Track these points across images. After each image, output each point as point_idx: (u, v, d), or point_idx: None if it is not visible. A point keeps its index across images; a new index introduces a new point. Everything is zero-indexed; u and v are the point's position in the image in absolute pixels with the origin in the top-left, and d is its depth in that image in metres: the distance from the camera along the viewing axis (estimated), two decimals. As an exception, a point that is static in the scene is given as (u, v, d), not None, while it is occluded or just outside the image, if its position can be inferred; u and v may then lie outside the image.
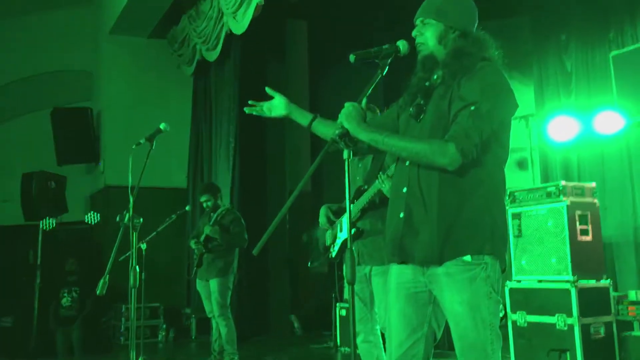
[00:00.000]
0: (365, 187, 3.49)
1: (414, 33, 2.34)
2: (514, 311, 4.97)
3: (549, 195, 4.93)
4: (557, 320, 4.61)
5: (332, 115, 2.43)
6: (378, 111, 3.55)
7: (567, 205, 4.77)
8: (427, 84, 2.30)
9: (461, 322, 2.14)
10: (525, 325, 4.86)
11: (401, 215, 2.23)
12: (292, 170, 8.58)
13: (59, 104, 9.56)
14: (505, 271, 2.24)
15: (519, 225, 5.07)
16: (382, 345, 3.45)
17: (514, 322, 4.95)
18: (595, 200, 4.97)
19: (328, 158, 2.17)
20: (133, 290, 3.47)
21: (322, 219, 3.83)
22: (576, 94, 6.18)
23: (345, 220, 3.65)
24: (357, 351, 3.45)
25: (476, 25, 2.34)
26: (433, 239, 2.14)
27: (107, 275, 3.30)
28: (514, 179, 7.00)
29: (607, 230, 5.41)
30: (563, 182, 4.93)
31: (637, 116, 5.48)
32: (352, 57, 2.27)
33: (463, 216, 2.14)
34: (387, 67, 2.26)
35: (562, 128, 6.03)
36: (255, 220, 6.74)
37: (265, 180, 8.41)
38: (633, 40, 5.67)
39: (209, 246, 5.72)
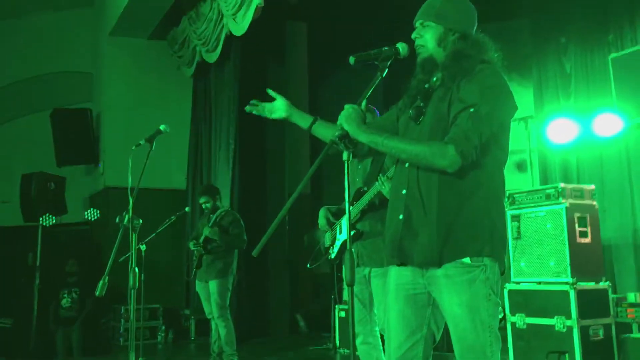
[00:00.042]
0: (365, 188, 3.50)
1: (413, 35, 2.34)
2: (513, 313, 4.97)
3: (548, 197, 4.94)
4: (556, 322, 4.61)
5: (331, 117, 2.44)
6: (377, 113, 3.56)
7: (566, 208, 4.78)
8: (426, 86, 2.31)
9: (460, 324, 2.14)
10: (524, 327, 4.86)
11: (400, 217, 2.24)
12: (291, 171, 8.58)
13: (59, 105, 9.58)
14: (504, 273, 2.25)
15: (518, 227, 5.07)
16: (381, 347, 3.45)
17: (513, 324, 4.95)
18: (595, 203, 4.97)
19: (327, 160, 2.17)
20: (132, 291, 3.47)
21: (321, 221, 3.83)
22: (575, 96, 6.18)
23: (344, 221, 3.65)
24: (357, 353, 3.45)
25: (476, 27, 2.35)
26: (432, 240, 2.15)
27: (107, 277, 3.30)
28: (513, 181, 7.00)
29: (606, 232, 5.41)
30: (562, 184, 4.94)
31: (636, 118, 5.48)
32: (351, 59, 2.28)
33: (462, 218, 2.15)
34: (387, 69, 2.27)
35: (561, 130, 6.03)
36: (255, 221, 6.75)
37: (265, 181, 8.41)
38: (632, 42, 5.68)
39: (208, 247, 5.72)
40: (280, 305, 8.25)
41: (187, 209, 6.55)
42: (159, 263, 8.03)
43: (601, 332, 4.63)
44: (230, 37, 7.54)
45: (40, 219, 7.78)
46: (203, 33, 8.11)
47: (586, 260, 4.76)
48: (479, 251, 2.14)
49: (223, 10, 7.30)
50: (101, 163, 9.34)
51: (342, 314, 6.52)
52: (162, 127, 3.71)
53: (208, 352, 6.00)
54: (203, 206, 5.89)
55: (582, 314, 4.54)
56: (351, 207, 2.66)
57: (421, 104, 2.29)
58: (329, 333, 6.95)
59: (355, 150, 2.37)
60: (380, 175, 3.26)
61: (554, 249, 4.81)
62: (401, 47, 2.28)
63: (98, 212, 7.98)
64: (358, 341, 3.48)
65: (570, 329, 4.52)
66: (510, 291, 5.02)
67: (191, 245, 5.86)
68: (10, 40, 9.65)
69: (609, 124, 5.64)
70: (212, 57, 8.12)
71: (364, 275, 3.48)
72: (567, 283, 4.63)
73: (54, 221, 7.79)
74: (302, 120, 2.59)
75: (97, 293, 3.28)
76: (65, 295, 7.38)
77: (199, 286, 5.86)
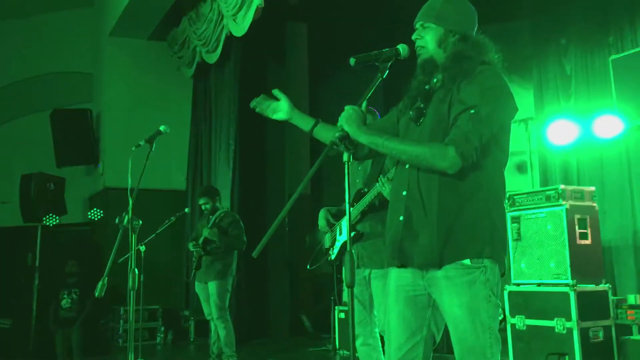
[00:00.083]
0: (365, 189, 3.50)
1: (413, 36, 2.34)
2: (513, 315, 4.97)
3: (548, 198, 4.94)
4: (556, 324, 4.61)
5: (332, 118, 2.43)
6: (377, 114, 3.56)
7: (567, 209, 4.78)
8: (427, 87, 2.31)
9: (460, 326, 2.14)
10: (524, 328, 4.86)
11: (401, 218, 2.23)
12: (291, 172, 8.58)
13: (59, 105, 9.57)
14: (505, 275, 2.24)
15: (518, 229, 5.07)
16: (381, 348, 3.45)
17: (513, 326, 4.95)
18: (595, 204, 4.97)
19: (328, 161, 2.17)
20: (132, 292, 3.47)
21: (321, 222, 3.83)
22: (576, 97, 6.18)
23: (344, 223, 3.65)
24: (356, 354, 3.44)
25: (476, 29, 2.34)
26: (433, 242, 2.15)
27: (106, 277, 3.30)
28: (514, 183, 7.00)
29: (606, 234, 5.42)
30: (562, 186, 4.94)
31: (636, 120, 5.48)
32: (352, 60, 2.28)
33: (463, 219, 2.15)
34: (387, 71, 2.26)
35: (561, 132, 6.03)
36: (255, 222, 6.75)
37: (265, 182, 8.41)
38: (632, 44, 5.68)
39: (208, 249, 5.71)
40: (280, 307, 8.25)
41: (186, 210, 6.54)
42: (159, 264, 8.03)
43: (601, 334, 4.62)
44: (230, 37, 7.54)
45: (44, 219, 7.78)
46: (203, 33, 8.11)
47: (586, 261, 4.76)
48: (479, 252, 2.14)
49: (223, 10, 7.30)
50: (101, 163, 9.34)
51: (342, 315, 6.52)
52: (162, 128, 3.71)
53: (207, 353, 5.99)
54: (202, 207, 5.89)
55: (582, 316, 4.53)
56: (351, 209, 2.66)
57: (421, 105, 2.29)
58: (329, 334, 6.95)
59: (356, 152, 2.37)
60: (381, 176, 3.26)
61: (554, 250, 4.81)
62: (402, 48, 2.28)
63: (101, 212, 7.98)
64: (358, 342, 3.47)
65: (570, 330, 4.52)
66: (510, 292, 5.02)
67: (190, 246, 5.86)
68: (10, 40, 9.66)
69: (609, 125, 5.64)
70: (212, 58, 8.12)
71: (364, 277, 3.48)
72: (567, 285, 4.63)
73: (57, 221, 7.78)
74: (304, 122, 2.58)
75: (96, 294, 3.27)
76: (65, 296, 7.37)
77: (198, 287, 5.85)
